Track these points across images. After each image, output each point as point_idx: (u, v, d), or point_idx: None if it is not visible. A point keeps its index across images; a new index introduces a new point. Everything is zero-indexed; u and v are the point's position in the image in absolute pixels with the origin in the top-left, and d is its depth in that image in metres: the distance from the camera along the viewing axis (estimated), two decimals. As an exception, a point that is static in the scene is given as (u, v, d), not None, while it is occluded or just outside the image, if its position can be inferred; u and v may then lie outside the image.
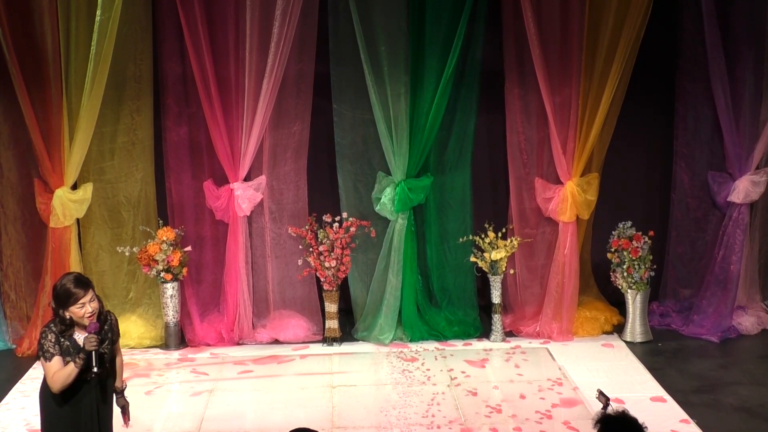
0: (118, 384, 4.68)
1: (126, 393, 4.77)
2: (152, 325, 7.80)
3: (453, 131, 7.83)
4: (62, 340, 4.34)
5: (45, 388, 4.45)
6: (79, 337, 4.38)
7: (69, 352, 4.32)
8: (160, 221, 7.68)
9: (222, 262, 7.75)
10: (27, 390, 6.72)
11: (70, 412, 4.44)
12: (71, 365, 4.28)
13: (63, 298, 4.33)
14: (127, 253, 7.59)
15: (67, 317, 4.34)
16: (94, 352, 4.27)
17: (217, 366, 7.30)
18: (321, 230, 7.58)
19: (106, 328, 4.48)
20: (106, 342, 4.46)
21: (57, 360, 4.31)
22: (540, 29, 7.36)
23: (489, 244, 7.63)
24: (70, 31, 7.21)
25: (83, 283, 4.37)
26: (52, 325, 4.38)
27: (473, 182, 7.97)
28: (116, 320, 4.63)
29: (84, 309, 4.32)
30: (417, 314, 7.88)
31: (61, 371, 4.29)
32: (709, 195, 8.03)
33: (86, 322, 4.33)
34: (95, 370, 4.28)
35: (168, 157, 7.74)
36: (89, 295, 4.34)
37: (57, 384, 4.31)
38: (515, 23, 7.58)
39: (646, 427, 3.42)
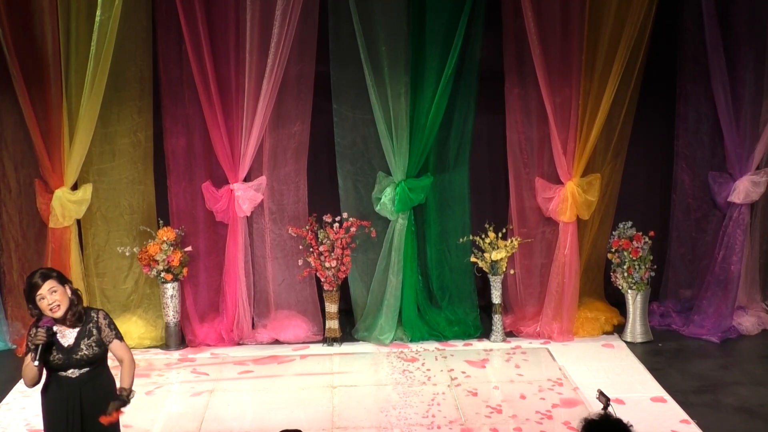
0: (125, 385, 4.53)
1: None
2: (152, 326, 7.80)
3: (452, 130, 7.83)
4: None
5: (41, 390, 4.51)
6: (62, 332, 4.40)
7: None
8: (161, 221, 7.68)
9: (222, 262, 7.75)
10: (27, 390, 6.65)
11: (52, 407, 4.47)
12: (29, 357, 4.33)
13: (26, 293, 4.41)
14: (127, 254, 7.60)
15: (37, 312, 4.39)
16: (40, 346, 4.29)
17: (217, 366, 7.30)
18: (321, 230, 7.58)
19: (90, 326, 4.45)
20: (87, 338, 4.42)
21: (30, 355, 4.36)
22: (540, 29, 7.36)
23: (489, 244, 7.63)
24: (70, 31, 7.22)
25: (43, 275, 4.38)
26: (35, 322, 4.44)
27: (473, 182, 7.98)
28: (107, 319, 4.53)
29: (45, 302, 4.34)
30: (417, 314, 7.88)
31: (26, 366, 4.35)
32: (709, 195, 8.03)
33: (52, 314, 4.35)
34: (35, 363, 4.29)
35: (168, 158, 7.74)
36: (48, 285, 4.34)
37: (24, 378, 4.38)
38: (515, 23, 7.59)
39: (631, 426, 3.42)
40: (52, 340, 4.35)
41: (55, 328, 4.38)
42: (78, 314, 4.44)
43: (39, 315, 4.38)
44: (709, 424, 6.03)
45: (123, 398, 4.44)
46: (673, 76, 8.03)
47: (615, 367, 7.14)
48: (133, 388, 4.56)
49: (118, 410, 4.39)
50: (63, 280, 4.44)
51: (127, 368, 4.56)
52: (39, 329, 4.30)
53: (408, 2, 7.43)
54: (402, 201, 7.58)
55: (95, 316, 4.51)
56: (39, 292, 4.33)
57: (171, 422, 6.27)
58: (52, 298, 4.34)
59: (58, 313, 4.36)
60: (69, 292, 4.43)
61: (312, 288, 7.91)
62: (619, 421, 3.43)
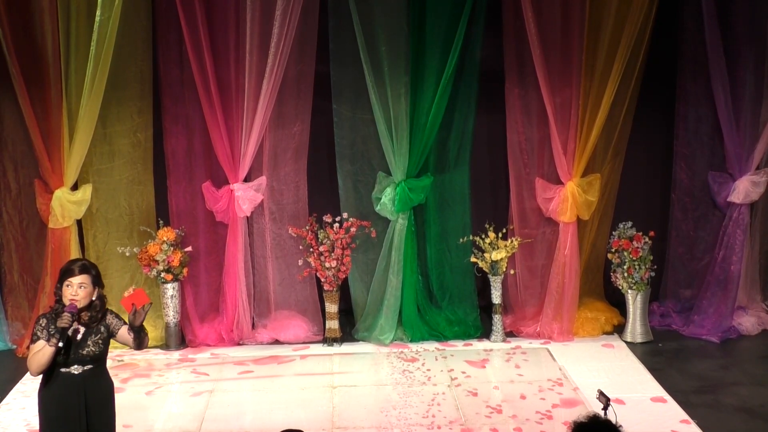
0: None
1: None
2: (152, 326, 7.78)
3: (452, 131, 7.83)
4: (51, 328, 4.37)
5: (39, 388, 4.50)
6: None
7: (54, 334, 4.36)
8: (161, 221, 7.68)
9: (222, 262, 7.74)
10: (27, 390, 6.72)
11: (53, 406, 4.45)
12: (45, 344, 4.31)
13: (60, 273, 4.45)
14: (127, 254, 7.59)
15: (60, 295, 4.42)
16: (63, 329, 4.29)
17: (217, 366, 7.30)
18: (321, 230, 7.58)
19: (101, 328, 4.48)
20: (95, 336, 4.45)
21: (40, 343, 4.36)
22: (540, 29, 7.36)
23: (489, 244, 7.63)
24: (70, 31, 7.21)
25: (84, 267, 4.44)
26: (48, 312, 4.46)
27: (473, 182, 7.98)
28: (112, 314, 4.57)
29: (69, 290, 4.37)
30: (417, 314, 7.88)
31: (37, 353, 4.34)
32: (709, 195, 8.02)
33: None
34: (60, 344, 4.28)
35: (168, 159, 7.74)
36: (80, 278, 4.38)
37: (32, 365, 4.36)
38: (515, 23, 7.59)
39: (621, 426, 3.41)
40: (74, 327, 4.38)
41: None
42: (94, 320, 4.47)
43: (60, 299, 4.41)
44: (709, 425, 6.02)
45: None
46: (673, 76, 8.03)
47: (615, 367, 7.14)
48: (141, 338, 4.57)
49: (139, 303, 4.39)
50: (98, 282, 4.48)
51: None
52: (65, 313, 4.32)
53: (408, 2, 7.43)
54: (402, 201, 7.58)
55: (107, 317, 4.54)
56: (70, 279, 4.38)
57: (171, 422, 6.26)
58: (75, 291, 4.38)
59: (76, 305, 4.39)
60: (95, 295, 4.46)
61: (312, 288, 7.91)
62: (608, 422, 3.42)
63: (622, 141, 7.97)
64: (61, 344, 4.29)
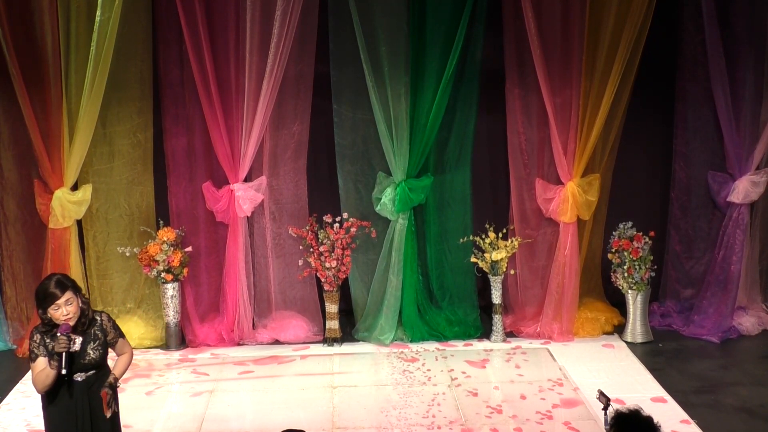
0: (117, 374, 4.57)
1: (124, 394, 4.71)
2: (153, 326, 7.80)
3: (453, 131, 7.83)
4: (47, 341, 4.34)
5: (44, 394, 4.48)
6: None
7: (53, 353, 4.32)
8: (161, 221, 7.68)
9: (223, 262, 7.75)
10: (27, 390, 6.72)
11: (58, 414, 4.45)
12: (46, 365, 4.29)
13: (40, 299, 4.35)
14: (127, 254, 7.59)
15: (47, 318, 4.34)
16: (64, 354, 4.25)
17: (217, 366, 7.30)
18: (321, 231, 7.58)
19: (95, 329, 4.46)
20: (93, 342, 4.43)
21: (41, 361, 4.32)
22: (540, 30, 7.36)
23: (489, 244, 7.63)
24: (70, 31, 7.21)
25: (61, 284, 4.34)
26: (40, 326, 4.40)
27: (474, 182, 7.97)
28: (110, 320, 4.55)
29: (59, 311, 4.30)
30: (417, 314, 7.88)
31: (41, 372, 4.31)
32: (709, 195, 8.02)
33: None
34: (63, 371, 4.26)
35: (168, 159, 7.74)
36: (65, 297, 4.31)
37: (37, 385, 4.35)
38: (515, 23, 7.59)
39: (660, 425, 3.37)
40: (71, 346, 4.34)
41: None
42: (88, 322, 4.44)
43: (49, 320, 4.34)
44: (709, 425, 6.03)
45: (114, 387, 4.50)
46: (673, 76, 8.03)
47: (615, 367, 7.14)
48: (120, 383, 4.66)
49: (112, 400, 4.43)
50: (77, 289, 4.42)
51: (126, 360, 4.64)
52: (60, 336, 4.26)
53: (408, 2, 7.43)
54: (402, 201, 7.58)
55: (99, 319, 4.52)
56: (57, 302, 4.30)
57: (171, 422, 6.26)
58: (67, 309, 4.32)
59: (70, 323, 4.35)
60: (80, 301, 4.42)
61: (312, 288, 7.91)
62: (649, 418, 3.36)
63: (617, 140, 7.96)
64: (64, 371, 4.25)
